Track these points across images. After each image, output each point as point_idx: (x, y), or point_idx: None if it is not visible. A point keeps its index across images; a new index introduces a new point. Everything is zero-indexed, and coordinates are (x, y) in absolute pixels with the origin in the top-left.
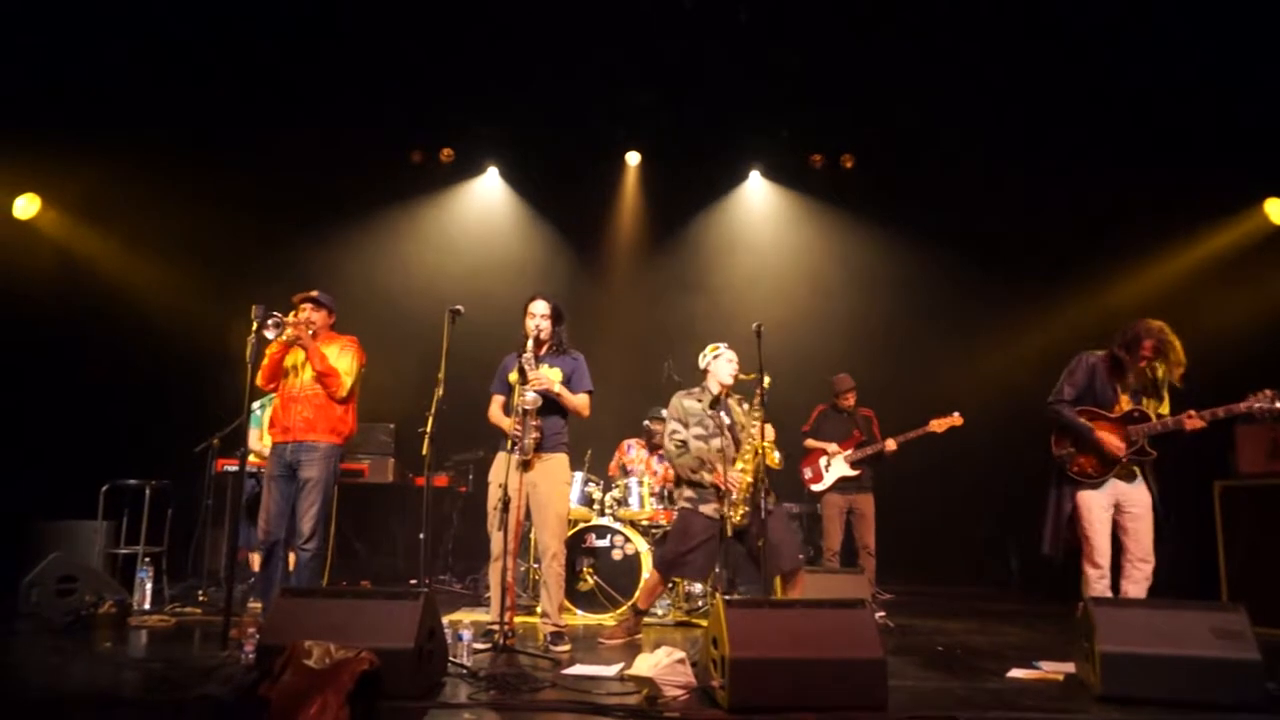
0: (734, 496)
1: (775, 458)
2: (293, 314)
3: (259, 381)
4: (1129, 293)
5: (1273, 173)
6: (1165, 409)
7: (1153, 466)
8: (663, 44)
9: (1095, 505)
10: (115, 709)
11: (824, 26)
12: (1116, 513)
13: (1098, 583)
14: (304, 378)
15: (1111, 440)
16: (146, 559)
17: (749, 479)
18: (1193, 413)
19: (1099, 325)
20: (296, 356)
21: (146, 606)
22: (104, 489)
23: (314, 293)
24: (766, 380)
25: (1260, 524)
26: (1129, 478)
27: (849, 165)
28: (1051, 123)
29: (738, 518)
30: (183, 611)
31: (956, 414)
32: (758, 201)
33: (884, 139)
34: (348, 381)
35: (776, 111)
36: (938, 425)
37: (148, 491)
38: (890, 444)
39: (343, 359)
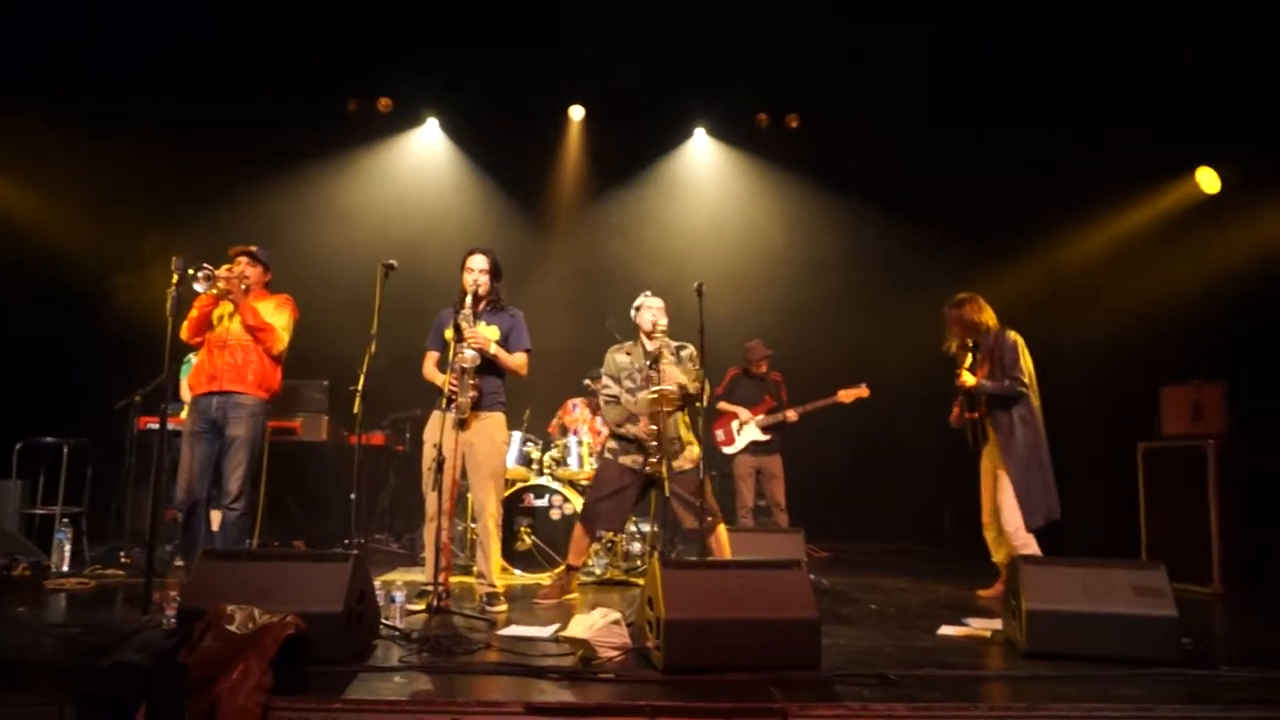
0: (650, 444)
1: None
2: (226, 267)
3: (184, 335)
4: (1070, 258)
5: (1203, 140)
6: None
7: (1002, 430)
8: None
9: (982, 466)
10: (26, 675)
11: None
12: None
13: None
14: (233, 326)
15: (954, 413)
16: (65, 519)
17: (653, 426)
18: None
19: (1042, 290)
20: (226, 308)
21: (65, 569)
22: (18, 446)
23: (252, 247)
24: (690, 350)
25: (1179, 483)
26: (985, 439)
27: (794, 125)
28: (997, 89)
29: (650, 467)
30: (104, 574)
31: (864, 385)
32: (702, 159)
33: (830, 100)
34: (285, 337)
35: (723, 68)
36: (845, 396)
37: (65, 449)
38: (791, 414)
39: (278, 315)
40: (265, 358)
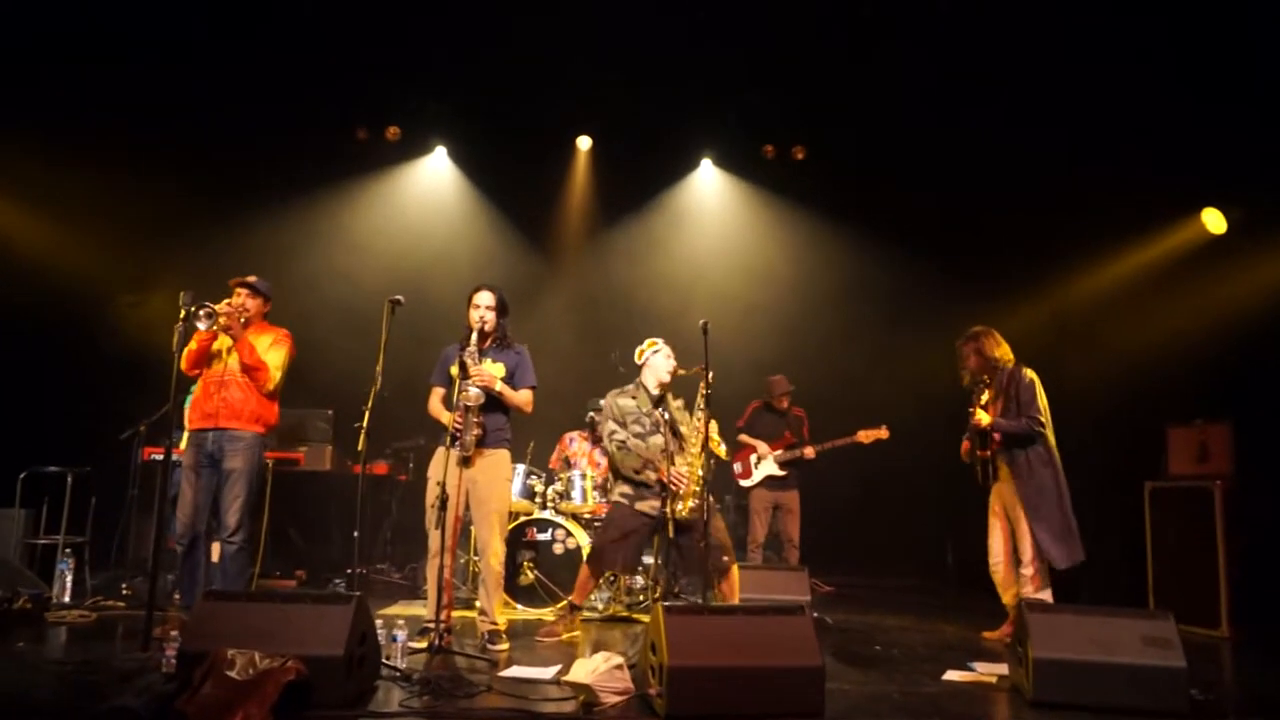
0: (681, 490)
1: (723, 450)
2: (225, 302)
3: (183, 366)
4: (1077, 297)
5: (1209, 182)
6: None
7: (1020, 471)
8: (618, 25)
9: (990, 504)
10: (25, 715)
11: (780, 15)
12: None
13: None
14: (230, 363)
15: (964, 447)
16: (67, 549)
17: (698, 473)
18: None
19: (1048, 327)
20: (224, 341)
21: (66, 599)
22: (22, 476)
23: (251, 278)
24: (708, 379)
25: (1186, 524)
26: (996, 477)
27: (800, 157)
28: (1004, 124)
29: (685, 511)
30: (105, 605)
31: (884, 427)
32: (709, 190)
33: (836, 133)
34: (277, 376)
35: (729, 99)
36: (865, 437)
37: (69, 479)
38: (809, 451)
39: (273, 352)
40: (260, 394)
